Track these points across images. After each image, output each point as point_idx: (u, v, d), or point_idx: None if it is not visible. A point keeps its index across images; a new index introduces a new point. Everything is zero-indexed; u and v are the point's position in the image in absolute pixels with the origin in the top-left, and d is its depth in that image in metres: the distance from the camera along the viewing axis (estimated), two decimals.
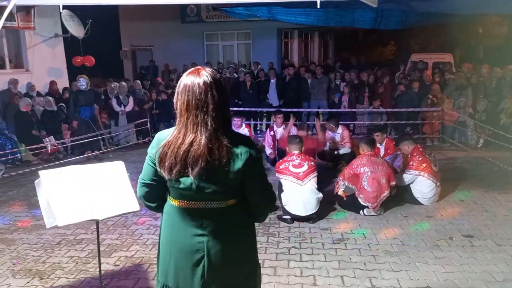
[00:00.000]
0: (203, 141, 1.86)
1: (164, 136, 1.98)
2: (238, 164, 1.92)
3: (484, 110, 9.12)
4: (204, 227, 1.99)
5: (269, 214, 5.42)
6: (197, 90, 1.88)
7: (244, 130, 7.99)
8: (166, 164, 1.90)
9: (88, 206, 2.79)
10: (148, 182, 2.04)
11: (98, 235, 3.09)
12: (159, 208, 2.12)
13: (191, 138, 1.88)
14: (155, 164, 1.97)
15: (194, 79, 1.91)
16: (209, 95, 1.88)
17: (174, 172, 1.89)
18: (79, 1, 5.54)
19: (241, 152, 1.93)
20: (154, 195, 2.09)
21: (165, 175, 1.92)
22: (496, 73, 10.34)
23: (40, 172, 2.86)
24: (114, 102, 10.17)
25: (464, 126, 9.17)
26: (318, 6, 5.15)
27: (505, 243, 4.55)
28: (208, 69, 1.96)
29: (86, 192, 2.82)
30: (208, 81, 1.90)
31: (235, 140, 1.94)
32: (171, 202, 2.04)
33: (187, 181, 1.91)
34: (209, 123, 1.88)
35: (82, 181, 2.86)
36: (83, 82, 8.80)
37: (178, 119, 1.94)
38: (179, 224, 2.02)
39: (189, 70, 1.97)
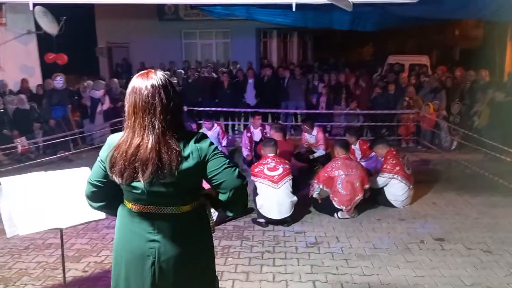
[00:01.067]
0: (149, 145, 1.85)
1: (115, 140, 1.95)
2: (189, 164, 1.90)
3: (458, 112, 9.28)
4: (156, 233, 1.96)
5: (243, 218, 5.46)
6: (145, 92, 1.88)
7: (215, 130, 7.93)
8: (116, 169, 1.87)
9: (52, 214, 2.70)
10: (96, 183, 2.02)
11: (63, 245, 3.00)
12: (102, 208, 2.13)
13: (138, 141, 1.86)
14: (105, 167, 1.95)
15: (142, 82, 1.90)
16: (156, 98, 1.87)
17: (125, 176, 1.87)
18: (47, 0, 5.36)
19: (192, 151, 1.91)
20: (100, 195, 2.07)
21: (117, 180, 1.89)
22: (470, 76, 10.53)
23: (1, 179, 2.75)
24: (88, 101, 9.96)
25: (438, 128, 9.30)
26: (294, 9, 5.13)
27: (475, 247, 4.62)
28: (159, 72, 1.96)
29: (50, 200, 2.74)
30: (156, 84, 1.89)
31: (186, 141, 1.93)
32: (126, 205, 2.02)
33: (139, 185, 1.89)
34: (156, 126, 1.86)
35: (45, 189, 2.77)
36: (60, 81, 8.62)
37: (126, 122, 1.92)
38: (132, 227, 1.99)
39: (139, 73, 1.96)
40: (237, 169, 2.02)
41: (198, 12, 15.19)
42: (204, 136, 2.00)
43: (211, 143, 2.00)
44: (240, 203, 2.08)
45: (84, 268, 4.20)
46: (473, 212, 5.66)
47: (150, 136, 1.86)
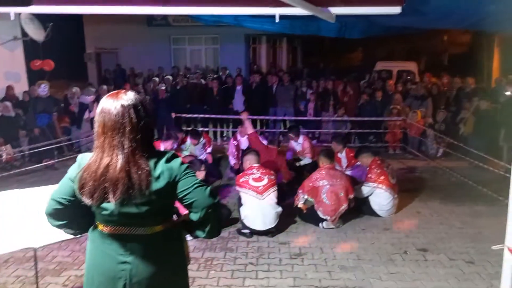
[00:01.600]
0: (119, 164, 1.83)
1: (85, 159, 1.94)
2: (160, 184, 1.89)
3: (444, 120, 9.34)
4: (128, 254, 1.94)
5: (228, 228, 5.44)
6: (114, 112, 1.87)
7: (201, 142, 7.88)
8: (86, 189, 1.85)
9: (25, 233, 2.65)
10: (61, 200, 1.95)
11: (36, 265, 2.96)
12: (62, 227, 2.04)
13: (107, 161, 1.85)
14: (74, 187, 1.91)
15: (112, 102, 1.90)
16: (126, 117, 1.87)
17: (95, 197, 1.85)
18: (32, 9, 5.32)
19: (162, 171, 1.90)
20: (62, 214, 1.99)
21: (86, 201, 1.86)
22: (456, 83, 10.62)
23: None
24: (76, 108, 9.87)
25: (424, 136, 9.36)
26: (277, 20, 5.15)
27: (458, 257, 4.64)
28: (130, 92, 1.96)
29: (22, 219, 2.68)
30: (126, 104, 1.89)
31: (156, 161, 1.92)
32: (97, 226, 1.99)
33: (109, 206, 1.87)
34: (126, 145, 1.86)
35: (18, 207, 2.72)
36: (44, 88, 8.54)
37: (95, 142, 1.91)
38: (103, 249, 1.97)
39: (109, 93, 1.96)
40: (209, 187, 2.00)
41: (186, 18, 15.16)
42: (175, 156, 1.99)
43: (182, 163, 1.98)
44: (213, 223, 2.03)
45: (64, 282, 4.15)
46: (457, 221, 5.70)
47: (120, 155, 1.85)
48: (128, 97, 1.92)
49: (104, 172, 1.84)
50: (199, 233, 2.07)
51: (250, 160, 5.56)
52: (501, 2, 5.05)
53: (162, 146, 7.01)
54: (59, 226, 2.04)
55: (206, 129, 10.40)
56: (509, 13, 5.31)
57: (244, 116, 7.46)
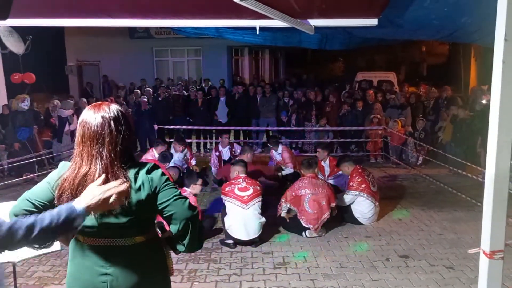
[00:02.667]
0: (97, 174, 1.84)
1: (66, 167, 1.94)
2: (140, 195, 1.90)
3: (423, 128, 9.53)
4: (108, 266, 1.93)
5: (212, 239, 5.44)
6: (93, 123, 1.89)
7: (184, 151, 7.90)
8: (64, 197, 1.84)
9: None
10: (35, 203, 1.88)
11: (15, 280, 2.92)
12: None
13: (85, 170, 1.86)
14: (53, 191, 1.90)
15: (93, 113, 1.92)
16: (106, 128, 1.89)
17: None
18: (11, 22, 5.30)
19: (143, 182, 1.92)
20: None
21: None
22: (433, 92, 10.86)
23: None
24: (57, 120, 9.78)
25: (405, 144, 9.52)
26: (257, 33, 5.23)
27: (438, 263, 4.73)
28: (113, 105, 1.98)
29: None
30: (107, 115, 1.91)
31: (136, 172, 1.93)
32: (77, 238, 1.98)
33: (89, 218, 1.83)
34: (104, 156, 1.87)
35: None
36: (27, 102, 8.51)
37: (74, 151, 1.92)
38: (83, 261, 1.96)
39: (91, 104, 1.99)
40: (188, 200, 2.02)
41: (169, 30, 15.22)
42: (156, 167, 2.01)
43: (163, 174, 2.00)
44: (192, 235, 2.01)
45: None
46: (437, 227, 5.80)
47: (98, 165, 1.86)
48: (109, 109, 1.94)
49: (81, 181, 1.84)
50: (179, 247, 2.06)
51: (237, 170, 5.59)
52: (472, 14, 5.22)
53: (155, 151, 7.08)
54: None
55: (189, 141, 10.38)
56: (480, 25, 5.49)
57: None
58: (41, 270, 4.65)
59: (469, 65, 16.71)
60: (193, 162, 8.08)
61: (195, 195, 5.53)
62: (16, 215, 1.86)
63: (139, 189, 1.91)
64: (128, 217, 1.90)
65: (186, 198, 2.02)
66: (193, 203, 2.07)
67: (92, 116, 1.91)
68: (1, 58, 10.91)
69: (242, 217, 5.22)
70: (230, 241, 5.28)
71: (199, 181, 5.56)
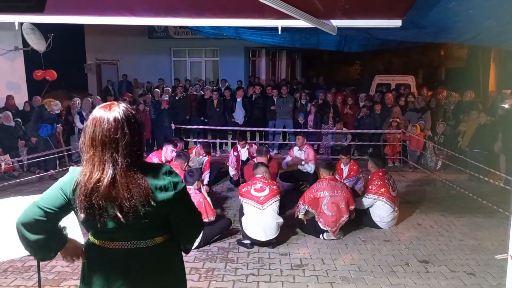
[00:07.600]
0: (107, 180, 1.77)
1: (76, 173, 1.87)
2: (166, 195, 1.87)
3: (443, 133, 9.39)
4: (128, 268, 1.90)
5: (229, 239, 5.43)
6: (106, 126, 1.80)
7: (204, 158, 7.76)
8: (81, 205, 1.79)
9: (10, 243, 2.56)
10: (47, 210, 1.81)
11: (39, 274, 2.94)
12: (37, 243, 1.85)
13: (98, 176, 1.78)
14: (65, 198, 1.84)
15: (104, 114, 1.83)
16: (119, 132, 1.81)
17: (94, 214, 1.80)
18: (36, 18, 5.36)
19: (165, 183, 1.88)
20: (43, 226, 1.83)
21: (82, 217, 1.81)
22: (453, 97, 10.71)
23: None
24: (77, 118, 9.89)
25: (424, 148, 9.39)
26: (279, 32, 5.21)
27: (459, 269, 4.64)
28: (122, 105, 1.89)
29: (6, 229, 2.54)
30: (119, 117, 1.83)
31: (154, 174, 1.89)
32: (93, 241, 1.94)
33: (110, 223, 1.82)
34: (119, 161, 1.80)
35: (2, 217, 2.68)
36: (60, 106, 8.83)
37: (83, 155, 1.84)
38: (101, 264, 1.92)
39: (102, 104, 1.90)
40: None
41: (187, 31, 15.29)
42: (173, 171, 1.97)
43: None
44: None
45: None
46: (457, 233, 5.70)
47: (110, 170, 1.78)
48: (121, 109, 1.85)
49: (95, 187, 1.77)
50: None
51: (260, 174, 5.55)
52: (498, 17, 5.13)
53: (164, 149, 6.99)
54: (34, 241, 1.84)
55: (205, 140, 10.36)
56: (505, 28, 5.39)
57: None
58: (60, 265, 4.68)
59: (488, 70, 16.43)
60: (205, 180, 7.34)
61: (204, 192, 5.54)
62: (24, 224, 1.82)
63: (162, 188, 1.87)
64: (150, 217, 1.85)
65: (199, 214, 2.07)
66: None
67: (104, 117, 1.82)
68: (23, 55, 11.09)
69: (259, 218, 5.19)
70: (247, 242, 5.26)
71: (200, 184, 5.53)
